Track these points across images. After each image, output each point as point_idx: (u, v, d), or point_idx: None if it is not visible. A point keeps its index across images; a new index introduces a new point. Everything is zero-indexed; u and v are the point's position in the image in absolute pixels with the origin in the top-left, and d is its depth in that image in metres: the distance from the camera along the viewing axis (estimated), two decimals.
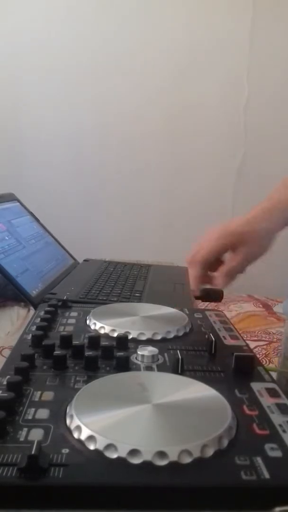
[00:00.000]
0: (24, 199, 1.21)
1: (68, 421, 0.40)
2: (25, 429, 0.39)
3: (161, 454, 0.35)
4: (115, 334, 0.62)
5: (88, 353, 0.53)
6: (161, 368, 0.53)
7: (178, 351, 0.54)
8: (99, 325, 0.65)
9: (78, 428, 0.38)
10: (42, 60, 2.03)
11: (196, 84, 2.07)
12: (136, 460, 0.35)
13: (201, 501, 0.34)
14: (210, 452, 0.37)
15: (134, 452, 0.36)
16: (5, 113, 2.06)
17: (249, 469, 0.35)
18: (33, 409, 0.43)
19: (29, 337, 0.59)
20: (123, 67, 2.05)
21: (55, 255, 1.13)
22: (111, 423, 0.39)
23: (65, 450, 0.37)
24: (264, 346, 1.61)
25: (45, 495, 0.34)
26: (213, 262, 0.76)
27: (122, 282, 0.99)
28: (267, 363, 1.48)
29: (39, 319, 0.66)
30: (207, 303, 1.24)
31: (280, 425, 0.41)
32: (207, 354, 0.57)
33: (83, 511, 0.34)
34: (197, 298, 0.87)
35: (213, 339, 0.58)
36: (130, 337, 0.61)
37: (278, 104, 2.06)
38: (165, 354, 0.57)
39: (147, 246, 1.96)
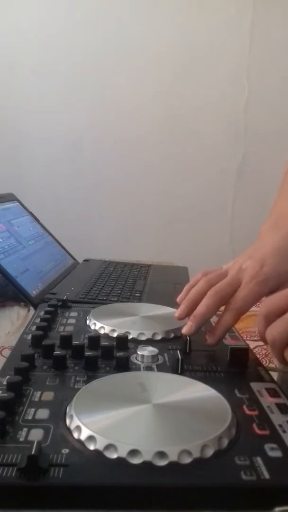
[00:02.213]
0: (24, 199, 1.21)
1: (68, 421, 0.40)
2: (25, 429, 0.39)
3: (161, 454, 0.35)
4: (115, 334, 0.62)
5: (88, 353, 0.53)
6: (161, 368, 0.53)
7: (178, 351, 0.54)
8: (99, 325, 0.65)
9: (78, 428, 0.38)
10: (42, 60, 2.03)
11: (196, 84, 2.07)
12: (136, 460, 0.35)
13: (201, 501, 0.34)
14: (210, 452, 0.37)
15: (134, 452, 0.36)
16: (5, 113, 2.06)
17: (249, 469, 0.35)
18: (33, 409, 0.43)
19: (29, 337, 0.60)
20: (123, 67, 2.05)
21: (55, 255, 1.13)
22: (111, 423, 0.39)
23: (65, 450, 0.37)
24: (264, 346, 1.61)
25: (45, 495, 0.34)
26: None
27: (122, 282, 0.99)
28: (267, 363, 1.47)
29: (39, 319, 0.66)
30: None
31: (280, 425, 0.41)
32: (207, 354, 0.57)
33: (83, 511, 0.34)
34: None
35: (188, 338, 0.58)
36: (130, 337, 0.61)
37: (278, 104, 2.06)
38: (165, 354, 0.57)
39: (147, 246, 1.96)
